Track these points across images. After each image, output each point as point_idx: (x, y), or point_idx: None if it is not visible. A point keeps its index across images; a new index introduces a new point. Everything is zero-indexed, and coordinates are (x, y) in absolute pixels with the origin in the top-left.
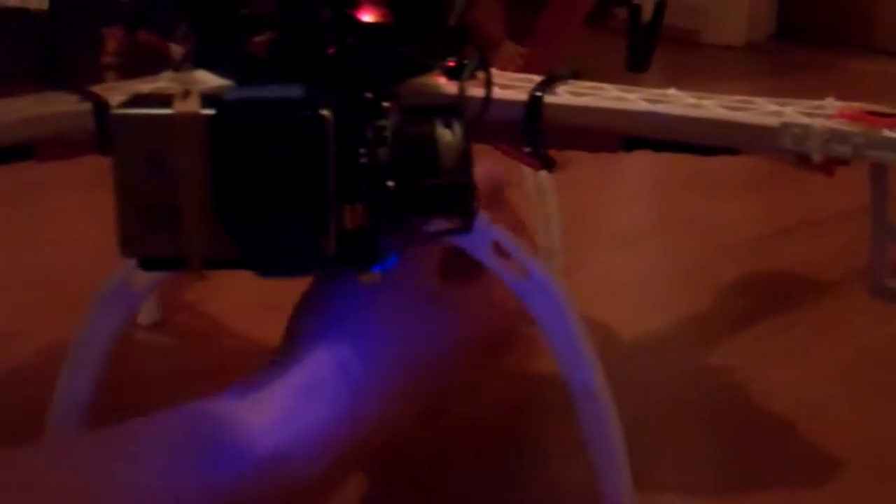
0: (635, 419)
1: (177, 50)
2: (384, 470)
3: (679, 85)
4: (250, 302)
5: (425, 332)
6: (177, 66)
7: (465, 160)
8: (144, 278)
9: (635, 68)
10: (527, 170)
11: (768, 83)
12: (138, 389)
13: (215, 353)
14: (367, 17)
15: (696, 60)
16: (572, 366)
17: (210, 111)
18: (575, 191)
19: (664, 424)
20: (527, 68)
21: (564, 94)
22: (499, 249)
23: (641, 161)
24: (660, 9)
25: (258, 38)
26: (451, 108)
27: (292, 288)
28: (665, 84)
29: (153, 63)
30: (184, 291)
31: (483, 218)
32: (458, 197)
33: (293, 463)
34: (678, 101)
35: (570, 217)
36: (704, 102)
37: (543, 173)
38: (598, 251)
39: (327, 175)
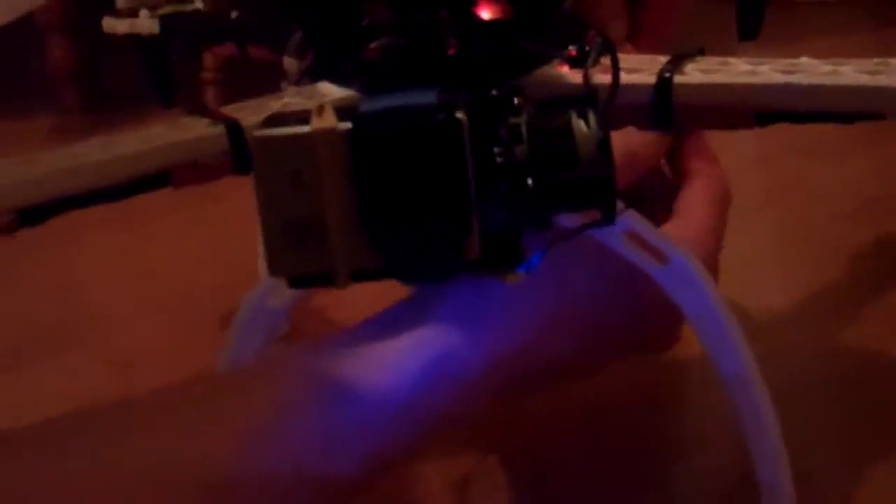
0: None
1: (290, 63)
2: (508, 454)
3: (775, 46)
4: (376, 307)
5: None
6: (297, 80)
7: (604, 151)
8: (282, 295)
9: (747, 36)
10: None
11: (870, 39)
12: None
13: None
14: (486, 13)
15: (789, 18)
16: (722, 354)
17: (347, 125)
18: None
19: (794, 400)
20: None
21: (694, 73)
22: (635, 236)
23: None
24: None
25: (375, 45)
26: (585, 98)
27: None
28: (761, 46)
29: (261, 77)
30: (313, 297)
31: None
32: (600, 190)
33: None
34: (813, 70)
35: None
36: (842, 69)
37: None
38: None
39: (467, 178)
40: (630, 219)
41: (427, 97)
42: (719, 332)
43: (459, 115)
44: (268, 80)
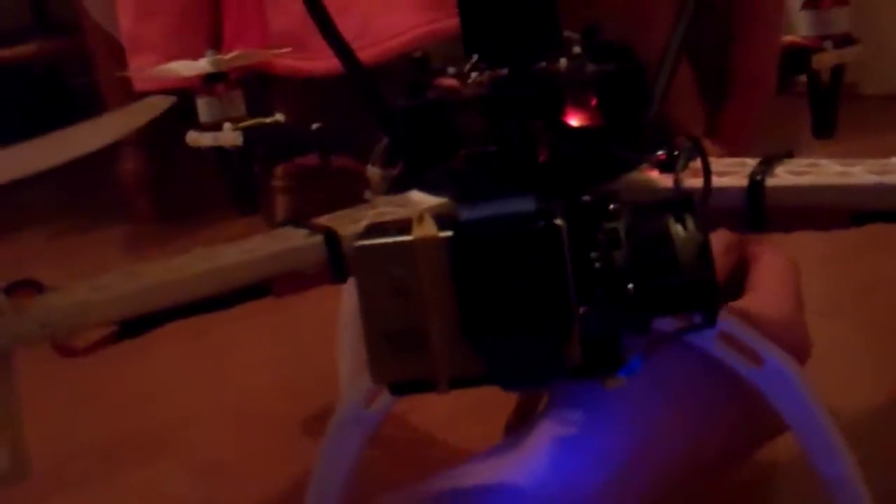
0: None
1: (373, 172)
2: None
3: (846, 141)
4: (458, 411)
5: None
6: (388, 189)
7: (704, 254)
8: (379, 400)
9: (821, 134)
10: None
11: None
12: None
13: (427, 465)
14: (575, 121)
15: (859, 113)
16: (823, 457)
17: (448, 233)
18: None
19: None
20: None
21: (785, 175)
22: (729, 338)
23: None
24: (837, 72)
25: (466, 153)
26: (682, 202)
27: (496, 396)
28: (835, 141)
29: (331, 187)
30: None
31: None
32: (702, 294)
33: None
34: None
35: None
36: None
37: None
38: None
39: (566, 284)
40: (724, 320)
41: (526, 204)
42: (818, 434)
43: (558, 221)
44: (341, 190)
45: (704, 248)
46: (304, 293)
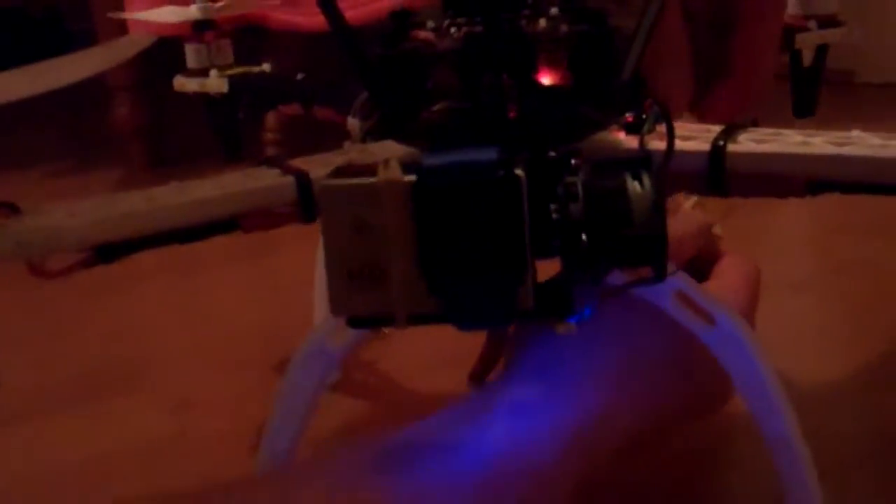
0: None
1: (353, 123)
2: None
3: (838, 127)
4: (426, 362)
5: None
6: (362, 139)
7: (657, 211)
8: (340, 337)
9: (801, 114)
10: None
11: None
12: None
13: (394, 410)
14: (547, 80)
15: (854, 101)
16: (767, 415)
17: (412, 177)
18: (743, 239)
19: (846, 474)
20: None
21: (747, 142)
22: (684, 297)
23: (811, 206)
24: (821, 52)
25: (439, 107)
26: (640, 161)
27: (464, 342)
28: (823, 128)
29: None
30: (361, 351)
31: (670, 267)
32: (652, 248)
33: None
34: (864, 143)
35: None
36: (891, 143)
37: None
38: (770, 298)
39: (523, 231)
40: (679, 280)
41: (488, 154)
42: (764, 392)
43: (518, 171)
44: (327, 141)
45: (658, 205)
46: (277, 238)
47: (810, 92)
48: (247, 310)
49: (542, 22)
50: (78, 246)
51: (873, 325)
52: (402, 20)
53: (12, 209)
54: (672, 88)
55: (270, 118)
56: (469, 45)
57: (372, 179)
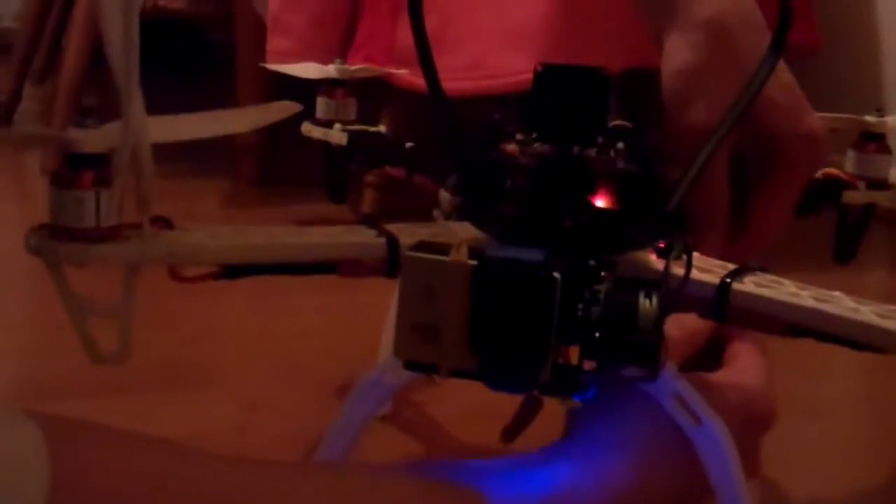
0: None
1: (444, 197)
2: None
3: (872, 270)
4: (469, 412)
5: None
6: (448, 215)
7: (657, 325)
8: (396, 376)
9: (840, 259)
10: None
11: None
12: None
13: (432, 447)
14: (600, 202)
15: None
16: None
17: (474, 262)
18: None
19: None
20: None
21: (749, 284)
22: (680, 399)
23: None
24: (868, 210)
25: (510, 206)
26: (654, 283)
27: (503, 405)
28: (879, 267)
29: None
30: (414, 392)
31: (670, 372)
32: (647, 352)
33: None
34: (840, 303)
35: None
36: (862, 308)
37: None
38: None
39: (552, 321)
40: (678, 384)
41: (536, 256)
42: (729, 491)
43: (556, 274)
44: (419, 203)
45: (659, 320)
46: (363, 280)
47: (853, 243)
48: (323, 335)
49: (605, 154)
50: (213, 262)
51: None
52: (496, 128)
53: (166, 224)
54: (707, 230)
55: (376, 174)
56: (541, 165)
57: (445, 258)
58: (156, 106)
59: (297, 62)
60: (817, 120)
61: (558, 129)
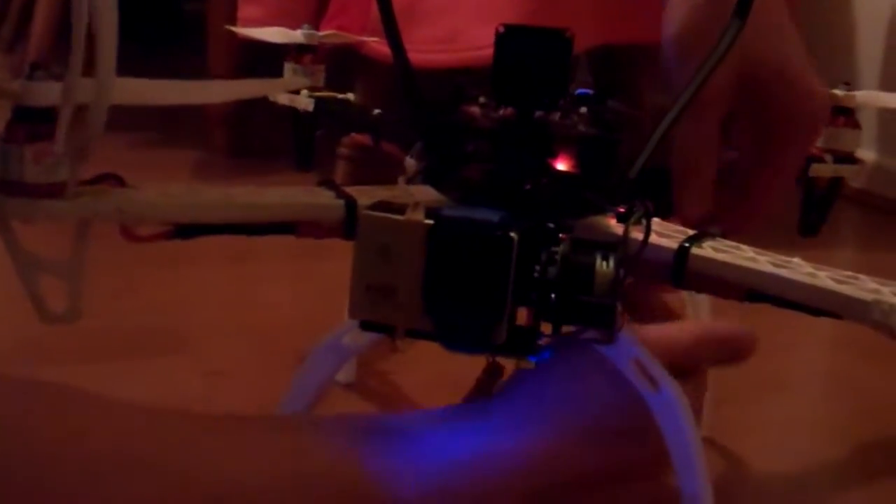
0: None
1: (410, 163)
2: None
3: (878, 253)
4: (432, 380)
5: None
6: (409, 179)
7: (613, 287)
8: (355, 339)
9: (805, 233)
10: (689, 304)
11: None
12: None
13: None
14: (560, 165)
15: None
16: (686, 476)
17: (430, 221)
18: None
19: None
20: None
21: (708, 248)
22: (639, 363)
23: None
24: (835, 184)
25: (469, 169)
26: (610, 245)
27: (466, 373)
28: (866, 250)
29: (384, 165)
30: (378, 361)
31: (628, 337)
32: (603, 314)
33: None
34: (797, 269)
35: None
36: (819, 273)
37: (704, 309)
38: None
39: (508, 281)
40: (637, 348)
41: (493, 216)
42: (686, 455)
43: (513, 234)
44: (390, 171)
45: (615, 282)
46: (333, 249)
47: (819, 217)
48: (292, 303)
49: (568, 119)
50: (165, 220)
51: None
52: (456, 95)
53: (118, 181)
54: (688, 205)
55: (347, 139)
56: (501, 127)
57: (400, 217)
58: (128, 73)
59: None
60: (822, 87)
61: (519, 90)
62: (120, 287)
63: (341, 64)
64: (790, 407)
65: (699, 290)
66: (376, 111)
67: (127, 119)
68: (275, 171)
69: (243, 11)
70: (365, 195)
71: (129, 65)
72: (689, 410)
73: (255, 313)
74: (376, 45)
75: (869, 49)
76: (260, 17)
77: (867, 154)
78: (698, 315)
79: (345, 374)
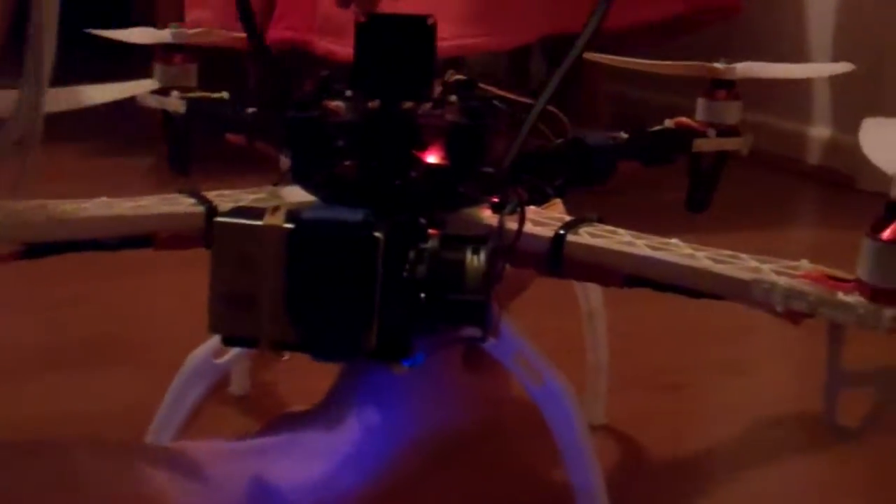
0: None
1: (284, 161)
2: None
3: (831, 228)
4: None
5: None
6: (276, 182)
7: (485, 282)
8: (227, 353)
9: (693, 209)
10: (581, 295)
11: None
12: None
13: None
14: (430, 158)
15: (849, 205)
16: (576, 468)
17: (290, 225)
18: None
19: None
20: None
21: (584, 235)
22: (522, 358)
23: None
24: (721, 158)
25: (344, 164)
26: (481, 239)
27: None
28: (820, 224)
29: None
30: (266, 372)
31: (510, 330)
32: (476, 312)
33: None
34: (676, 250)
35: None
36: (698, 254)
37: (596, 298)
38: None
39: (375, 284)
40: (520, 343)
41: (356, 216)
42: (576, 449)
43: (377, 234)
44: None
45: (487, 277)
46: None
47: (706, 192)
48: (170, 317)
49: (436, 110)
50: (12, 241)
51: None
52: (321, 88)
53: None
54: None
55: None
56: (365, 121)
57: (258, 222)
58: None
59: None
60: None
61: (380, 81)
62: (72, 299)
63: (289, 62)
64: (748, 390)
65: (578, 279)
66: (250, 110)
67: (77, 126)
68: (227, 177)
69: (190, 15)
70: (229, 200)
71: (78, 68)
72: (576, 403)
73: (135, 330)
74: (328, 44)
75: (820, 20)
76: (208, 20)
77: (822, 130)
78: (590, 303)
79: (238, 386)
